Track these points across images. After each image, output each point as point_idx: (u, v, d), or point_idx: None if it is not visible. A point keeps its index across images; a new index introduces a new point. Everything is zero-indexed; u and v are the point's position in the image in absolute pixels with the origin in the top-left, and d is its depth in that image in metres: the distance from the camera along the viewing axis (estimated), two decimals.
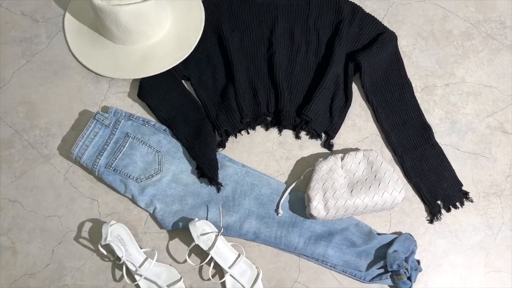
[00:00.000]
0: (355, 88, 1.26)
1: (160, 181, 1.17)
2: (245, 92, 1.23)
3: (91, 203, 1.18)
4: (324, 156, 1.19)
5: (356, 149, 1.21)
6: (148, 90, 1.24)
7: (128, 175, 1.16)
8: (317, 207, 1.09)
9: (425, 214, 1.17)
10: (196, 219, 1.11)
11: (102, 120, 1.19)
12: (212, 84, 1.25)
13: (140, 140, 1.19)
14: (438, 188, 1.17)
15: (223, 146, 1.21)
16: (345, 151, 1.18)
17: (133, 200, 1.17)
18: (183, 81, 1.27)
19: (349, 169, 1.14)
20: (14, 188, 1.19)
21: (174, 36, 1.28)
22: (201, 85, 1.25)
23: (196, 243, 1.08)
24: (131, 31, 1.23)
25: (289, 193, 1.16)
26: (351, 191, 1.10)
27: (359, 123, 1.24)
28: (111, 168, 1.17)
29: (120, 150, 1.18)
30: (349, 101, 1.24)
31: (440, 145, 1.20)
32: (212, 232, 1.11)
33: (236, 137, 1.22)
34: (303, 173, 1.17)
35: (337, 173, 1.13)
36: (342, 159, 1.15)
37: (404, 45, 1.30)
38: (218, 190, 1.17)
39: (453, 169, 1.18)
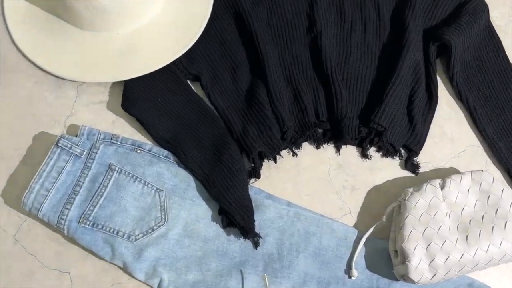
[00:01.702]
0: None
1: (165, 236, 0.76)
2: (282, 93, 0.84)
3: (60, 278, 0.76)
4: (412, 184, 0.80)
5: (451, 169, 0.83)
6: (137, 98, 0.83)
7: (115, 231, 0.76)
8: (419, 267, 0.70)
9: None
10: None
11: (70, 148, 0.78)
12: (231, 83, 0.86)
13: (130, 175, 0.78)
14: None
15: (257, 176, 0.81)
16: (439, 174, 0.80)
17: (125, 269, 0.76)
18: (189, 82, 0.87)
19: (455, 202, 0.75)
20: None
21: (171, 16, 0.88)
22: (216, 86, 0.86)
23: None
24: (107, 11, 0.82)
25: (364, 243, 0.77)
26: (466, 237, 0.72)
27: (449, 130, 0.86)
28: (88, 223, 0.75)
29: (101, 193, 0.77)
30: (435, 100, 0.86)
31: None
32: None
33: (275, 162, 0.82)
34: (385, 210, 0.78)
35: (440, 211, 0.74)
36: (442, 187, 0.76)
37: (496, 17, 0.93)
38: (256, 245, 0.77)
39: None
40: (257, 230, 0.77)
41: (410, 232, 0.72)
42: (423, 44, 0.87)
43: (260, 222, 0.78)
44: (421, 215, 0.74)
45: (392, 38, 0.89)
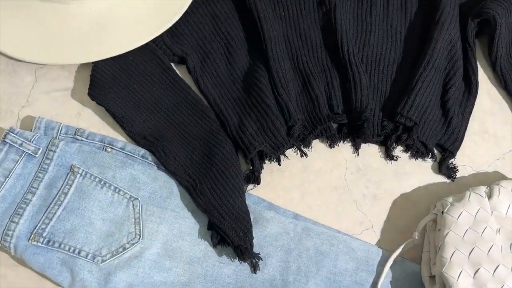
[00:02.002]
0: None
1: (140, 257, 0.62)
2: (288, 79, 0.69)
3: None
4: (448, 191, 0.65)
5: (495, 174, 0.68)
6: (109, 84, 0.69)
7: (77, 251, 0.61)
8: None
9: None
10: None
11: (21, 145, 0.63)
12: (225, 67, 0.72)
13: (97, 179, 0.64)
14: None
15: (256, 182, 0.67)
16: (481, 180, 0.66)
17: None
18: (173, 65, 0.73)
19: (506, 215, 0.60)
20: None
21: None
22: (206, 69, 0.72)
23: None
24: None
25: (390, 266, 0.62)
26: None
27: (492, 126, 0.72)
28: (41, 240, 0.61)
29: (59, 202, 0.63)
30: (474, 89, 0.72)
31: None
32: None
33: (279, 163, 0.67)
34: (416, 225, 0.63)
35: (490, 227, 0.59)
36: (489, 196, 0.61)
37: None
38: (255, 269, 0.62)
39: None
40: (256, 249, 0.62)
41: (452, 254, 0.57)
42: (459, 20, 0.73)
43: (260, 240, 0.63)
44: (466, 232, 0.58)
45: (421, 14, 0.74)
